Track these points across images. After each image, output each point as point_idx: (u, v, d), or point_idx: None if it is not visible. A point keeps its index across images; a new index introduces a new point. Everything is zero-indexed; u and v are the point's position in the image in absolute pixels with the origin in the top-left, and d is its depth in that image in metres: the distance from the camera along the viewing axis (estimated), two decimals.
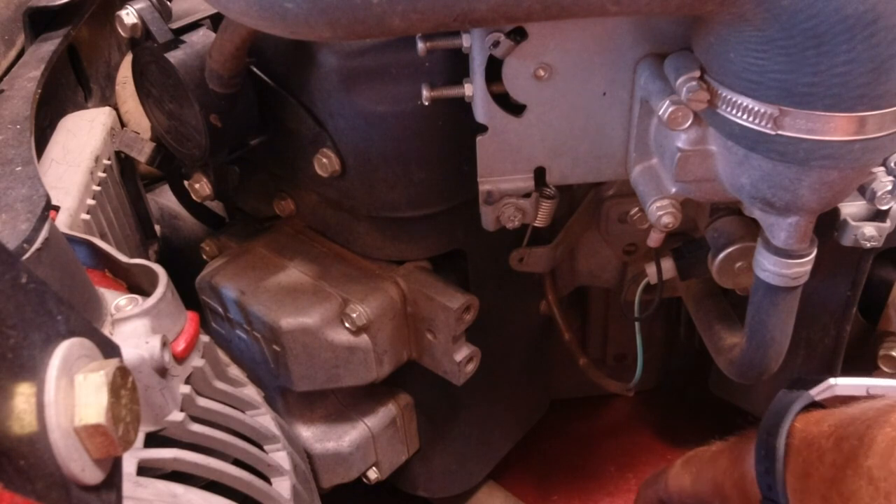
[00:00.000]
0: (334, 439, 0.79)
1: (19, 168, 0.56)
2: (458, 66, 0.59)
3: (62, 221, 0.64)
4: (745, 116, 0.46)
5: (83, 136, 0.76)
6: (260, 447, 0.58)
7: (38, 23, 0.77)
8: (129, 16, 0.62)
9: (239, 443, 0.54)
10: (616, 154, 0.60)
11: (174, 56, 0.61)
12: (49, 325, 0.29)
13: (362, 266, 0.74)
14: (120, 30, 0.62)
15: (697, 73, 0.49)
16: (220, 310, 0.75)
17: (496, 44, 0.52)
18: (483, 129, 0.58)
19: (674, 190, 0.55)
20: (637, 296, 0.80)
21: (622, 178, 0.62)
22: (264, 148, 0.69)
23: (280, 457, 0.59)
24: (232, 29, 0.57)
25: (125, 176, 0.84)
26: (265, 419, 0.60)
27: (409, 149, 0.64)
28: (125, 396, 0.31)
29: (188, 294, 0.61)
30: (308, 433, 0.79)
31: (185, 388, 0.51)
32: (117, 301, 0.51)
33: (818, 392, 0.51)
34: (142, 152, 0.79)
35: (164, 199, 0.96)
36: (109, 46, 0.90)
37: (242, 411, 0.58)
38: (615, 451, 1.10)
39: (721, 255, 0.64)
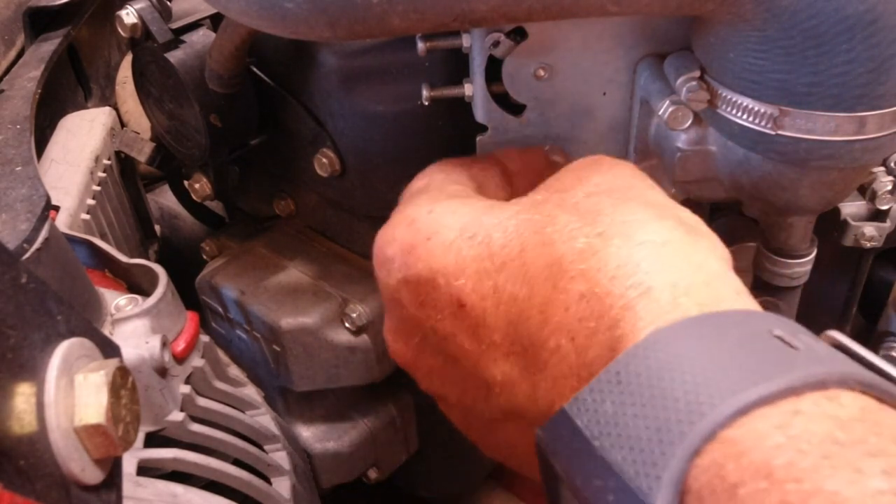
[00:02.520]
0: (334, 439, 0.79)
1: (19, 168, 0.55)
2: (458, 66, 0.59)
3: (62, 221, 0.64)
4: (745, 116, 0.46)
5: (83, 136, 0.76)
6: (260, 447, 0.58)
7: (38, 23, 0.77)
8: (129, 16, 0.62)
9: (239, 443, 0.54)
10: (616, 154, 0.60)
11: (174, 56, 0.61)
12: (49, 325, 0.29)
13: (362, 266, 0.74)
14: (120, 30, 0.62)
15: (697, 73, 0.49)
16: (220, 310, 0.75)
17: (496, 44, 0.52)
18: (483, 129, 0.58)
19: (674, 190, 0.55)
20: None
21: None
22: (264, 148, 0.69)
23: (280, 457, 0.59)
24: (232, 29, 0.57)
25: (125, 176, 0.84)
26: (265, 419, 0.60)
27: (409, 149, 0.64)
28: (125, 396, 0.31)
29: (188, 294, 0.61)
30: (308, 433, 0.79)
31: (185, 388, 0.51)
32: (117, 301, 0.51)
33: None
34: (142, 152, 0.79)
35: (164, 199, 0.96)
36: (109, 46, 0.90)
37: (242, 411, 0.58)
38: None
39: None
